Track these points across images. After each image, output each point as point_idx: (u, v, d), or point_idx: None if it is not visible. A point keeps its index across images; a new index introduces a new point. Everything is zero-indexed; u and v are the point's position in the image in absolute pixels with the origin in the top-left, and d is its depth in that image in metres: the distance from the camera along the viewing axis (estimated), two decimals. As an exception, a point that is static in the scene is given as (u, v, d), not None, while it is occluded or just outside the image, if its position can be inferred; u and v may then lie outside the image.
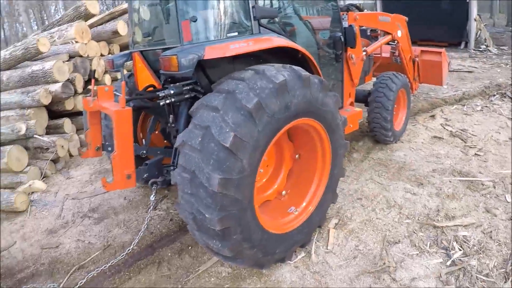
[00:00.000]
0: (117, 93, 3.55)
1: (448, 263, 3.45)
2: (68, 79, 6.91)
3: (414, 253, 3.59)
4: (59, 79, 6.72)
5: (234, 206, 2.80)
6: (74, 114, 7.18)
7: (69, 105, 6.95)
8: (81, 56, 7.51)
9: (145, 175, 3.58)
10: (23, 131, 6.06)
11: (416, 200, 4.38)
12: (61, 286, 3.89)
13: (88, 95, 3.77)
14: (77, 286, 3.77)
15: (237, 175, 2.73)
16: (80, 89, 7.16)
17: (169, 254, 3.95)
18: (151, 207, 3.98)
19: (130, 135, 3.20)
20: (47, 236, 4.76)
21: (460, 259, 3.47)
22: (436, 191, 4.52)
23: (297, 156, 3.84)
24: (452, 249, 3.60)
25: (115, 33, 8.03)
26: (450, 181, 4.69)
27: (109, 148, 4.00)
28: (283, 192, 3.84)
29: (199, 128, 2.81)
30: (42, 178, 6.06)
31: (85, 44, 7.62)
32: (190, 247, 3.99)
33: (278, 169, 3.90)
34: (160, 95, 3.31)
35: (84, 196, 5.34)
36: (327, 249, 3.73)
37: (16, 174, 5.90)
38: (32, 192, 5.77)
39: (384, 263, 3.49)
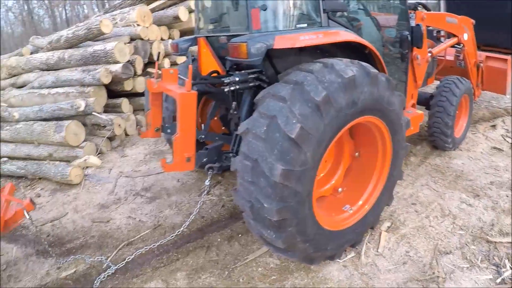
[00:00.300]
0: (181, 77, 3.59)
1: (498, 280, 3.27)
2: (129, 61, 7.10)
3: (465, 266, 3.44)
4: (119, 60, 6.90)
5: (293, 198, 2.77)
6: (132, 95, 7.38)
7: (128, 86, 7.14)
8: (141, 39, 7.69)
9: (204, 160, 3.62)
10: (82, 108, 6.27)
11: (471, 211, 4.19)
12: (109, 259, 4.00)
13: (150, 76, 3.85)
14: (124, 262, 3.86)
15: (299, 167, 2.70)
16: (139, 71, 7.33)
17: (219, 239, 3.98)
18: (205, 191, 4.01)
19: (194, 119, 3.25)
20: (98, 210, 4.91)
21: (510, 278, 3.29)
22: (492, 204, 4.30)
23: (356, 154, 3.76)
24: (503, 266, 3.41)
25: (176, 18, 8.17)
26: (507, 196, 4.45)
27: (168, 130, 4.07)
28: (340, 189, 3.78)
29: (265, 117, 2.79)
30: (98, 154, 6.28)
31: (146, 27, 7.80)
32: (240, 235, 4.00)
33: (337, 165, 3.84)
34: (225, 81, 3.31)
35: (138, 175, 5.48)
36: (377, 251, 3.64)
37: (73, 149, 6.14)
38: (87, 167, 5.98)
39: (434, 273, 3.37)
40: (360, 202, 3.58)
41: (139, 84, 7.34)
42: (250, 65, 3.27)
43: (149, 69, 7.70)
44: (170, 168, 3.35)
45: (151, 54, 7.78)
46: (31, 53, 9.14)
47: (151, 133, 4.06)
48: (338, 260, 3.53)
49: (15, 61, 8.77)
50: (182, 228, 3.98)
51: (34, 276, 4.15)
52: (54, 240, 4.62)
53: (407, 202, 4.36)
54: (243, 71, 3.42)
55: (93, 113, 6.37)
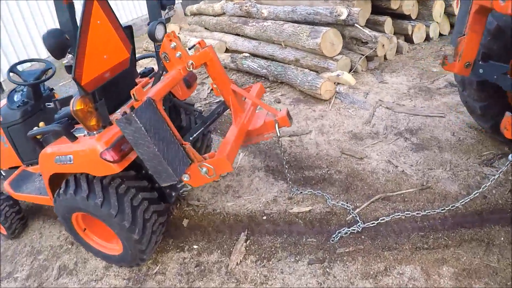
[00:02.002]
0: None
1: None
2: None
3: None
4: (390, -28, 5.84)
5: None
6: (395, 16, 6.30)
7: (394, 4, 6.10)
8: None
9: None
10: (343, 16, 5.52)
11: None
12: (357, 211, 3.27)
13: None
14: (376, 222, 3.09)
15: None
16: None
17: (502, 238, 2.83)
18: (503, 168, 2.90)
19: None
20: (350, 140, 4.24)
21: None
22: None
23: None
24: None
25: None
26: None
27: (481, 70, 3.04)
28: None
29: None
30: (351, 72, 5.54)
31: None
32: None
33: None
34: None
35: (401, 110, 4.58)
36: None
37: (324, 59, 5.56)
38: (338, 83, 5.32)
39: None
40: None
41: (407, 5, 6.17)
42: None
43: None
44: None
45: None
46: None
47: (458, 67, 3.10)
48: None
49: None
50: (458, 204, 3.04)
51: (257, 197, 3.69)
52: (290, 160, 4.09)
53: None
54: None
55: (356, 25, 5.55)
